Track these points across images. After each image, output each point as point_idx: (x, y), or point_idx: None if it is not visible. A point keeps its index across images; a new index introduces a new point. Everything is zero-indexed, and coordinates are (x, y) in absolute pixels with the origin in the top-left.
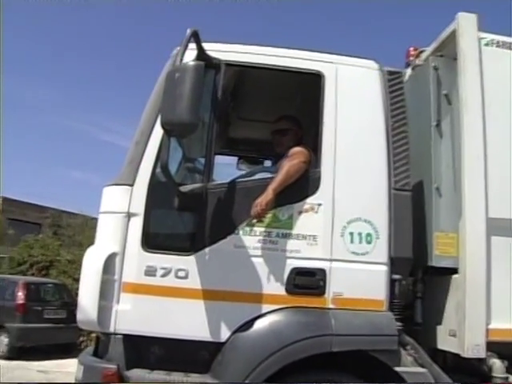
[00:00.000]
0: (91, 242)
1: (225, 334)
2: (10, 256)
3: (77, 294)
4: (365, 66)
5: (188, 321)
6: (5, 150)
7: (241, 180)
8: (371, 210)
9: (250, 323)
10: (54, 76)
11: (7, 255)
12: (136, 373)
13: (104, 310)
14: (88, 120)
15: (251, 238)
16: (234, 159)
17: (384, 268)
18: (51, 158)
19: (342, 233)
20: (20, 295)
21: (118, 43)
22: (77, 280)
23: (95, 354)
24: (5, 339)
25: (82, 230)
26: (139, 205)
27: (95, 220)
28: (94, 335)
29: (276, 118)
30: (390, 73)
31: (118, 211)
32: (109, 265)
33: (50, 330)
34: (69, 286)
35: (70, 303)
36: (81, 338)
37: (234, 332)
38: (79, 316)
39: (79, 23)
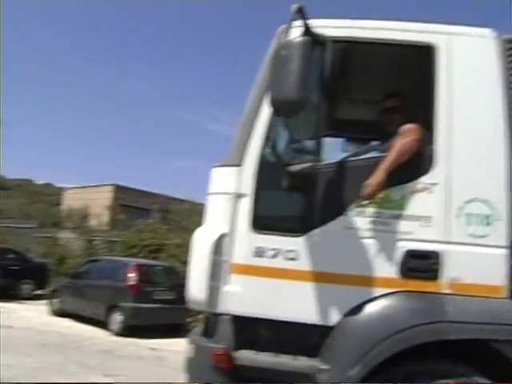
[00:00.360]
0: (198, 227)
1: (334, 317)
2: (123, 240)
3: (185, 277)
4: (481, 35)
5: (297, 303)
6: (117, 141)
7: (351, 159)
8: (490, 189)
9: (360, 307)
10: (163, 68)
11: (120, 239)
12: (244, 354)
13: (213, 290)
14: (196, 110)
15: (362, 220)
16: (337, 141)
17: (504, 252)
18: (161, 147)
19: (458, 214)
20: (132, 276)
21: (223, 33)
22: (185, 263)
23: (204, 334)
24: (118, 317)
25: (189, 216)
26: (248, 185)
27: (201, 206)
28: (201, 316)
29: (385, 95)
30: (511, 41)
31: (227, 192)
32: (218, 246)
33: (160, 310)
34: (177, 268)
35: (179, 285)
36: (189, 319)
37: (344, 316)
38: (189, 296)
39: (185, 13)
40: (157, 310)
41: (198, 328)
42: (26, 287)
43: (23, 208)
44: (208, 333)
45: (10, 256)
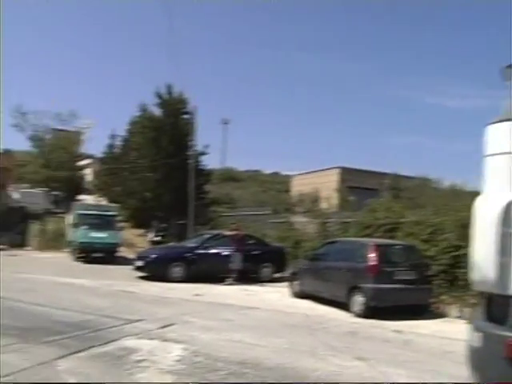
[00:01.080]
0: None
1: None
2: (356, 220)
3: (425, 256)
4: None
5: None
6: (336, 124)
7: None
8: None
9: None
10: (373, 48)
11: (352, 220)
12: None
13: (503, 268)
14: (408, 85)
15: None
16: None
17: None
18: (378, 125)
19: None
20: (372, 257)
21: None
22: (424, 241)
23: (490, 319)
24: (360, 299)
25: (422, 192)
26: None
27: (432, 180)
28: (444, 297)
29: None
30: None
31: (510, 151)
32: (506, 215)
33: (401, 290)
34: (417, 247)
35: (420, 264)
36: (432, 300)
37: None
38: (474, 275)
39: None
40: (398, 290)
41: (478, 312)
42: (265, 270)
43: (256, 196)
44: (495, 318)
45: (250, 242)
